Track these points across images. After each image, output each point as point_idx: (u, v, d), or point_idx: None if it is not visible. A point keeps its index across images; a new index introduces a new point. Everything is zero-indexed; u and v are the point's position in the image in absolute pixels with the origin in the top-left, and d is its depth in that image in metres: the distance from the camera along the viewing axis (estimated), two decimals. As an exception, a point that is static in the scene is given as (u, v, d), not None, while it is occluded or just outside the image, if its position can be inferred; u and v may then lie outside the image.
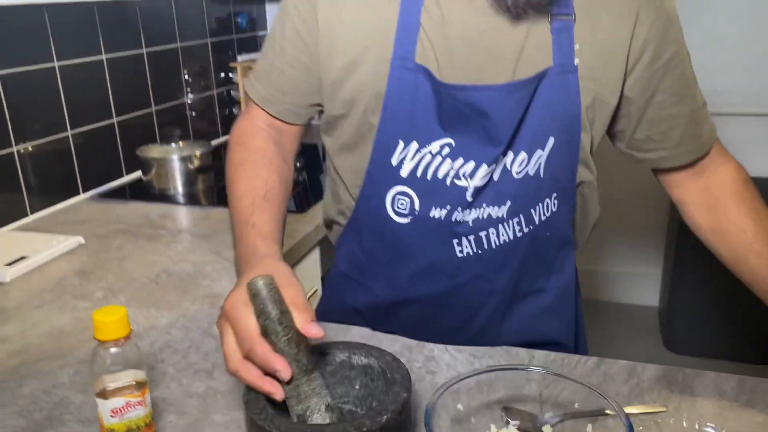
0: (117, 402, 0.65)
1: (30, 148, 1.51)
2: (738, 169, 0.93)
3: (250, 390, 0.64)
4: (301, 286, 0.67)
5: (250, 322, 0.62)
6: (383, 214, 0.86)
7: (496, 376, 0.67)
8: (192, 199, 1.65)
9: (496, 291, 0.90)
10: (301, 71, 0.89)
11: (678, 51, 0.85)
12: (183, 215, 1.56)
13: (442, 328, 0.92)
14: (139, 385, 0.66)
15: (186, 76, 2.08)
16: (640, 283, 3.02)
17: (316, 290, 1.48)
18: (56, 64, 1.56)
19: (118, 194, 1.69)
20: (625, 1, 0.81)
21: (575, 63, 0.80)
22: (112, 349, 0.64)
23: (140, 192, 1.70)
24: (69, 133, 1.62)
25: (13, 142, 1.47)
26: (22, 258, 1.22)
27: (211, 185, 1.73)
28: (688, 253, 2.49)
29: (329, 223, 1.03)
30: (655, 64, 0.84)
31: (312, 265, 1.48)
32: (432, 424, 0.59)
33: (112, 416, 0.65)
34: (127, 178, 1.80)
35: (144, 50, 1.86)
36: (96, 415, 0.68)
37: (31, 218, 1.52)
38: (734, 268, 0.91)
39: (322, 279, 1.50)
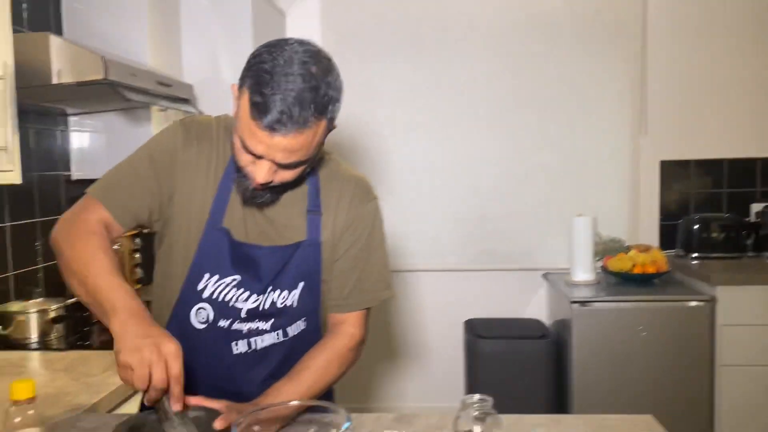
0: (23, 444, 0.98)
1: None
2: (352, 337, 1.34)
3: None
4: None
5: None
6: (188, 321, 1.27)
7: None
8: (48, 345, 1.93)
9: (257, 381, 1.30)
10: (146, 198, 1.23)
11: (361, 236, 1.32)
12: (42, 357, 1.83)
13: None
14: (37, 435, 1.00)
15: (39, 246, 2.39)
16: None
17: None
18: (-69, 235, 1.85)
19: (-25, 347, 1.92)
20: (346, 199, 1.31)
21: (320, 240, 1.30)
22: (22, 407, 0.98)
23: (-2, 344, 1.94)
24: (-65, 293, 1.87)
25: None
26: None
27: (65, 333, 2.02)
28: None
29: None
30: (344, 242, 1.32)
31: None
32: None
33: (18, 455, 0.97)
34: (-17, 334, 2.03)
35: (7, 224, 2.19)
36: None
37: None
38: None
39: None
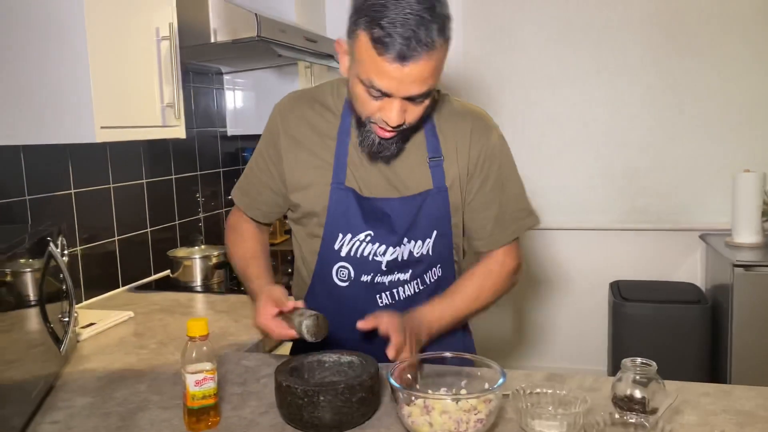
0: (198, 376, 1.06)
1: (87, 250, 1.95)
2: (503, 264, 1.35)
3: (278, 367, 1.06)
4: (285, 293, 1.19)
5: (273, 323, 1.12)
6: (330, 281, 1.31)
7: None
8: (210, 289, 2.08)
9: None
10: (269, 194, 1.36)
11: (491, 171, 1.30)
12: (206, 299, 1.99)
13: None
14: (211, 369, 1.07)
15: (200, 197, 2.58)
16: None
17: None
18: (111, 185, 2.05)
19: (149, 287, 2.12)
20: (466, 137, 1.29)
21: (446, 185, 1.28)
22: (197, 343, 1.06)
23: (167, 285, 2.13)
24: (116, 238, 2.07)
25: (78, 244, 1.92)
26: (92, 324, 1.63)
27: (226, 278, 2.17)
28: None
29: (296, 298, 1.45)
30: (474, 180, 1.30)
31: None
32: (390, 379, 1.01)
33: (195, 385, 1.05)
34: (154, 276, 2.24)
35: (173, 176, 2.37)
36: (171, 403, 1.08)
37: (80, 305, 1.93)
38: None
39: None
